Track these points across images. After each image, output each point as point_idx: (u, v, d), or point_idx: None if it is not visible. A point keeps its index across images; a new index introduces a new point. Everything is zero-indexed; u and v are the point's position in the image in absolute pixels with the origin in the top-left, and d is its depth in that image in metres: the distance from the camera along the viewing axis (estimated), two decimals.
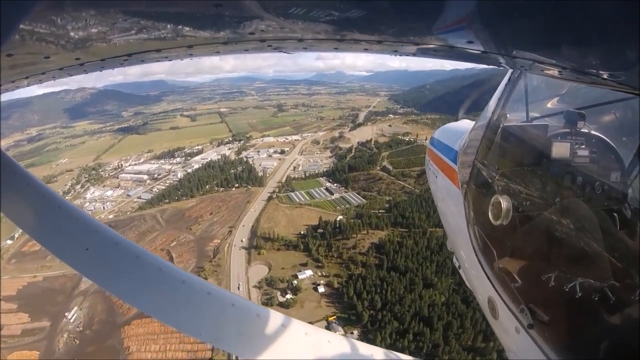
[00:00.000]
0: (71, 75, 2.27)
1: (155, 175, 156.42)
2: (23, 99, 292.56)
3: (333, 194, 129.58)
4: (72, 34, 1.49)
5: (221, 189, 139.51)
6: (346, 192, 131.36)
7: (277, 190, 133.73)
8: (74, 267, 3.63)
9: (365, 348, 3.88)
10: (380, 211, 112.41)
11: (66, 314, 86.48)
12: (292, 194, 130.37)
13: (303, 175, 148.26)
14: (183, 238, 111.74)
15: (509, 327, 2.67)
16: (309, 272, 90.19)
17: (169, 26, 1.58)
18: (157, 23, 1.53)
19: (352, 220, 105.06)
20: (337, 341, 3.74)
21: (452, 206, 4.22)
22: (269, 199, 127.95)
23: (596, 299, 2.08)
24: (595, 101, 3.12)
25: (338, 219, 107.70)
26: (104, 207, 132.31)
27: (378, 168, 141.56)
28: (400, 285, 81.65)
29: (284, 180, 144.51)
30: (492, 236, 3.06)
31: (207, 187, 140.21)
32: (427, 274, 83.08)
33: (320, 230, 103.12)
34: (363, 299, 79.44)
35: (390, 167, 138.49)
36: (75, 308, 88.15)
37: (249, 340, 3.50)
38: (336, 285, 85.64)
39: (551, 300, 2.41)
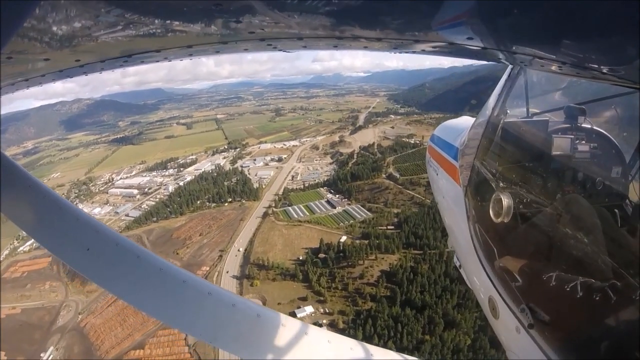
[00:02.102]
0: (71, 77, 2.23)
1: (146, 190, 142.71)
2: (20, 112, 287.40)
3: (335, 208, 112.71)
4: (71, 35, 1.45)
5: (213, 204, 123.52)
6: (349, 204, 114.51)
7: (273, 205, 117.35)
8: (74, 267, 3.52)
9: (365, 348, 3.67)
10: (388, 228, 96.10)
11: (42, 355, 77.07)
12: (290, 208, 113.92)
13: (302, 186, 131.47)
14: None
15: (509, 326, 2.59)
16: (309, 309, 74.17)
17: (168, 26, 1.53)
18: (156, 23, 1.49)
19: (357, 242, 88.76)
20: (338, 341, 3.57)
21: (452, 203, 4.05)
22: (265, 215, 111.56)
23: (597, 298, 2.00)
24: (596, 96, 3.03)
25: (342, 240, 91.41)
26: None
27: (383, 176, 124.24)
28: (417, 326, 66.48)
29: (281, 192, 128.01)
30: (493, 234, 2.96)
31: (198, 202, 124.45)
32: (447, 309, 67.66)
33: (321, 255, 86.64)
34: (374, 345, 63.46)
35: (397, 175, 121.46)
36: (52, 348, 78.33)
37: (250, 340, 3.40)
38: (341, 326, 69.39)
39: (552, 300, 2.34)
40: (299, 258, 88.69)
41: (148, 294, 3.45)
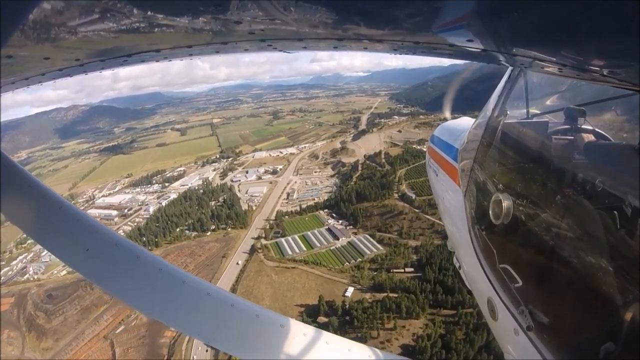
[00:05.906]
0: (71, 76, 2.17)
1: (125, 211, 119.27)
2: (15, 120, 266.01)
3: (338, 239, 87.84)
4: (71, 34, 1.39)
5: (193, 233, 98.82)
6: (355, 233, 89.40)
7: (262, 236, 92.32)
8: (74, 267, 3.43)
9: (363, 349, 3.61)
10: (407, 270, 70.84)
11: None
12: (283, 240, 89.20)
13: (298, 208, 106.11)
14: (133, 320, 72.66)
15: (508, 328, 2.48)
16: None
17: (168, 26, 1.47)
18: (156, 23, 1.42)
19: (368, 297, 63.78)
20: (336, 342, 3.49)
21: (452, 205, 3.93)
22: (252, 251, 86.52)
23: (597, 300, 1.93)
24: (596, 98, 2.87)
25: (347, 295, 66.42)
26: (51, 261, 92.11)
27: (395, 195, 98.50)
28: None
29: (273, 216, 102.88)
30: (493, 235, 2.87)
31: (177, 230, 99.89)
32: None
33: (321, 320, 61.58)
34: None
35: (412, 195, 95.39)
36: None
37: (248, 340, 3.32)
38: None
39: (551, 302, 2.25)
40: None
41: (147, 294, 3.34)
